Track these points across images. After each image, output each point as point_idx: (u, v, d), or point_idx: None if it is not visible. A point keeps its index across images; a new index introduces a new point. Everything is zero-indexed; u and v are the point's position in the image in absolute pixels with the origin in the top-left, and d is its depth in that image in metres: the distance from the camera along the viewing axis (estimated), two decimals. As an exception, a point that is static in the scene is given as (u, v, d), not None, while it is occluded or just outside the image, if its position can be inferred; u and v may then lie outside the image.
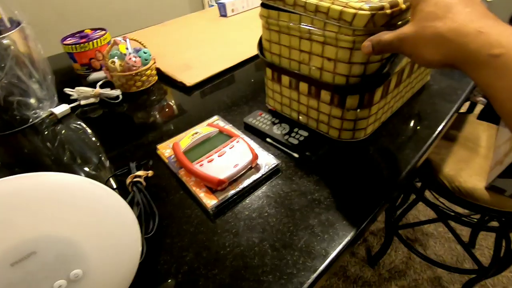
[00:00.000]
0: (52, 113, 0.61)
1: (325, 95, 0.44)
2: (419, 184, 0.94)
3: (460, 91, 0.58)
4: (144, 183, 0.40)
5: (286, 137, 0.47)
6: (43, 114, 0.61)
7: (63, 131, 0.58)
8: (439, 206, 0.90)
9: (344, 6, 0.35)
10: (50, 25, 1.10)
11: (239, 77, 0.71)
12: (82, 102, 0.64)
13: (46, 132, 0.58)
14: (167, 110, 0.62)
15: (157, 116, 0.60)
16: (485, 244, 1.26)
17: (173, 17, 1.08)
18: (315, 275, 0.31)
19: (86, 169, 0.48)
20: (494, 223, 0.90)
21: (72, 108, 0.63)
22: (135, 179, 0.39)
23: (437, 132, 0.49)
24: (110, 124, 0.60)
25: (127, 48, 0.64)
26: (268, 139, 0.49)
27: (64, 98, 0.65)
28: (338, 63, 0.40)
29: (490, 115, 0.95)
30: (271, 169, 0.42)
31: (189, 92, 0.67)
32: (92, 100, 0.65)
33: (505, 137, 0.76)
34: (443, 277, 1.18)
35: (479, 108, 1.02)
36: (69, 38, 0.76)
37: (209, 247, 0.35)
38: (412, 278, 1.19)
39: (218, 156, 0.42)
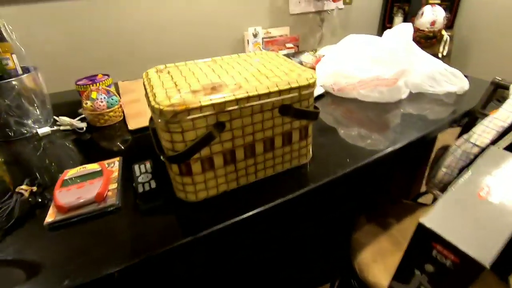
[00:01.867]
0: (36, 132, 0.86)
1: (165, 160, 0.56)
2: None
3: (323, 177, 0.62)
4: (25, 195, 0.58)
5: (140, 185, 0.60)
6: (32, 131, 0.87)
7: (37, 145, 0.82)
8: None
9: (153, 100, 0.49)
10: (78, 68, 1.50)
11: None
12: (61, 128, 0.89)
13: (27, 144, 0.83)
14: (110, 143, 0.81)
15: (101, 147, 0.80)
16: None
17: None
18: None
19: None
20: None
21: (54, 131, 0.88)
22: (19, 190, 0.57)
23: (264, 207, 0.55)
24: (69, 146, 0.82)
25: (97, 95, 0.87)
26: (134, 183, 0.62)
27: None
28: (161, 139, 0.52)
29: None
30: (109, 206, 0.55)
31: (133, 134, 0.86)
32: (68, 127, 0.89)
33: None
34: None
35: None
36: (82, 80, 1.05)
37: (37, 248, 0.50)
38: None
39: (77, 188, 0.57)
